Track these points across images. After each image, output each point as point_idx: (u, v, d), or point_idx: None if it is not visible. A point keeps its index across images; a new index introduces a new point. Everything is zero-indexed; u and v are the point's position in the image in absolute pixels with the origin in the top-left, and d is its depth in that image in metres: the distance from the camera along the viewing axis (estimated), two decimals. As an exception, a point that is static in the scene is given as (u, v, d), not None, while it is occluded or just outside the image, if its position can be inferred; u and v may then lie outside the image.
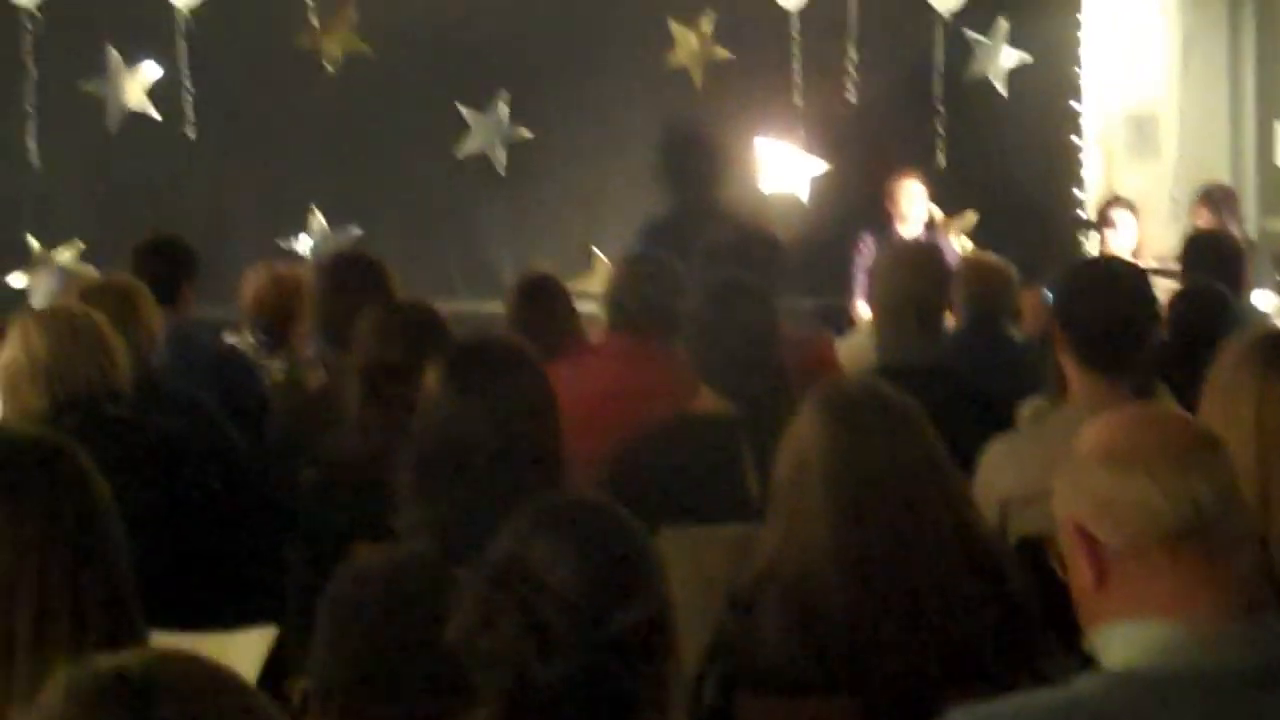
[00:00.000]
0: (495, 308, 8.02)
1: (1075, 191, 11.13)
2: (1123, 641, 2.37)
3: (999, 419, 4.85)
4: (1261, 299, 8.17)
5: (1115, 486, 2.37)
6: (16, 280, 9.85)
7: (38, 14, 9.90)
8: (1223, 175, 10.86)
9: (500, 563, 2.35)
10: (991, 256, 6.94)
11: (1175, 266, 7.16)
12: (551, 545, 2.34)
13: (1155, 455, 2.37)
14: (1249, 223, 10.13)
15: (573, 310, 6.21)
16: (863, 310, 9.62)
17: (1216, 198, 9.12)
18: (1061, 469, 2.48)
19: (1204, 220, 8.81)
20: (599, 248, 10.59)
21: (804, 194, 10.79)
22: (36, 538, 2.58)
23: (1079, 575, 2.42)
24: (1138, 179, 10.88)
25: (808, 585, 3.12)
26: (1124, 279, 4.38)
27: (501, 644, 2.32)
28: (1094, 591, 2.40)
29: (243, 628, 3.79)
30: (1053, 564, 2.50)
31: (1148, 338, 4.32)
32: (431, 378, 3.36)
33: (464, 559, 2.85)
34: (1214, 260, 6.58)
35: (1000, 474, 4.23)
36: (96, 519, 2.68)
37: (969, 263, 6.73)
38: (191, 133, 10.15)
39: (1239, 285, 6.63)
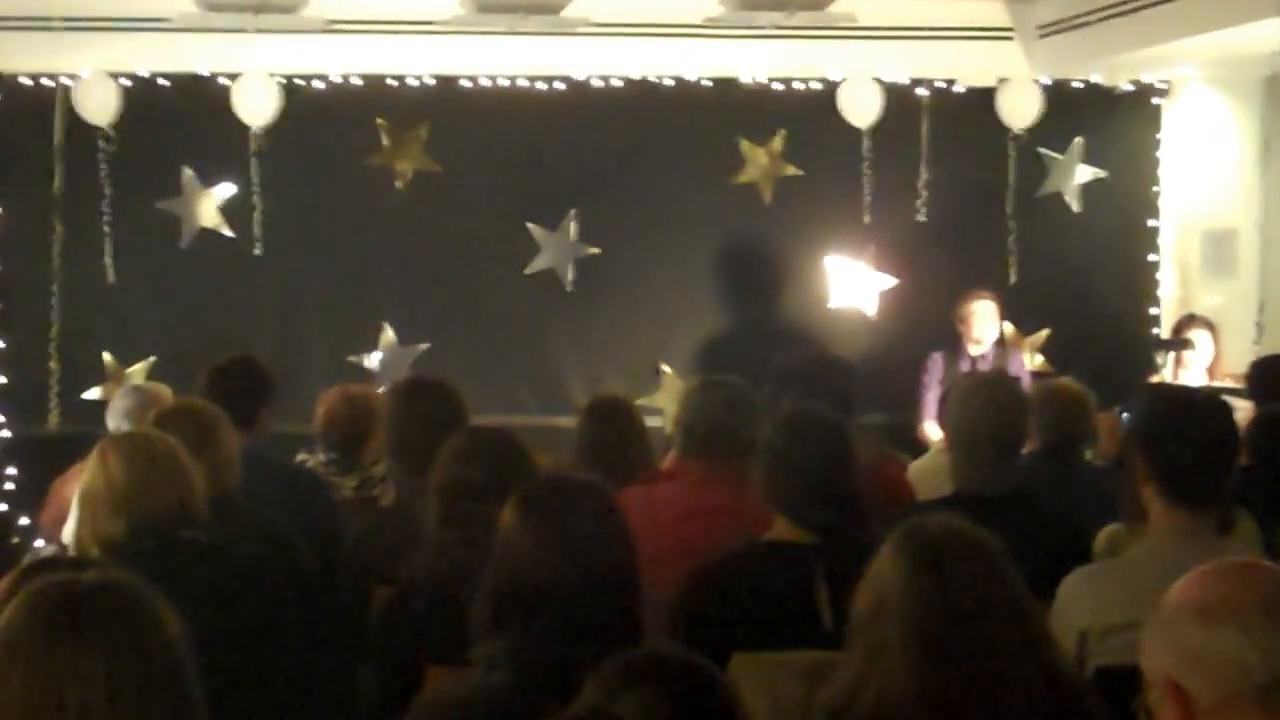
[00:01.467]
0: (563, 423, 8.07)
1: (1151, 309, 11.10)
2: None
3: (1076, 546, 4.83)
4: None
5: (1207, 640, 2.36)
6: (92, 393, 9.95)
7: (112, 133, 10.02)
8: (1300, 295, 10.82)
9: (586, 715, 2.34)
10: (1069, 381, 6.90)
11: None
12: (640, 699, 2.33)
13: (1247, 608, 2.36)
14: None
15: (643, 432, 6.22)
16: (931, 430, 9.59)
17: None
18: (1151, 622, 2.47)
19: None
20: (666, 364, 10.62)
21: (871, 310, 10.78)
22: (101, 680, 2.57)
23: (1170, 728, 2.40)
24: (1215, 296, 10.84)
25: (886, 719, 3.10)
26: (1209, 412, 4.34)
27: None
28: (1186, 748, 2.38)
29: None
30: (1139, 714, 2.47)
31: (1231, 472, 4.29)
32: (509, 512, 3.37)
33: (541, 694, 2.85)
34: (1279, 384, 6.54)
35: (1079, 605, 4.20)
36: (163, 653, 2.67)
37: (1046, 388, 6.70)
38: (259, 249, 10.23)
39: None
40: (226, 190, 10.23)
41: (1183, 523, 4.21)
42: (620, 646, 2.55)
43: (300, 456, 6.96)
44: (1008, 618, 3.16)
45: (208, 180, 10.23)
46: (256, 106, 10.09)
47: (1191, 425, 4.26)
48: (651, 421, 6.46)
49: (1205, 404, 4.41)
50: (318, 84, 10.24)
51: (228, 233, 10.25)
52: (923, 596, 3.12)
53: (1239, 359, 9.61)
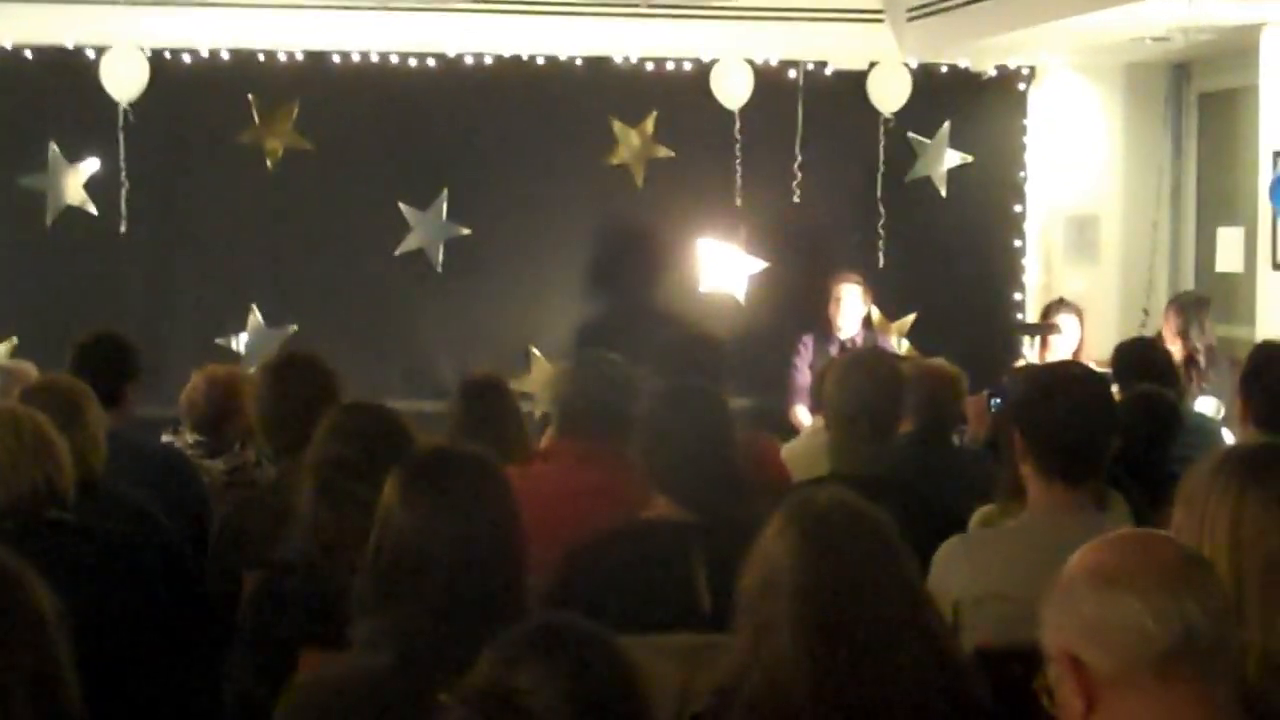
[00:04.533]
0: (432, 406, 7.99)
1: (1016, 294, 11.20)
2: (1112, 768, 2.33)
3: (950, 528, 4.81)
4: (1204, 405, 8.19)
5: (1105, 609, 2.35)
6: (-49, 374, 9.75)
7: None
8: (1163, 280, 10.97)
9: (484, 687, 2.28)
10: (942, 362, 6.92)
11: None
12: (539, 672, 2.27)
13: (1144, 575, 2.35)
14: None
15: (518, 411, 6.18)
16: (801, 414, 9.60)
17: (1187, 302, 9.14)
18: (1049, 596, 2.45)
19: (1171, 324, 8.83)
20: (537, 347, 10.57)
21: (742, 293, 10.78)
22: None
23: (1069, 705, 2.38)
24: (1078, 282, 10.93)
25: (775, 700, 3.06)
26: (1087, 388, 4.36)
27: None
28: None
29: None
30: (1039, 694, 2.45)
31: (1108, 448, 4.31)
32: (390, 487, 3.29)
33: (425, 672, 2.78)
34: (1144, 368, 6.58)
35: (953, 575, 4.21)
36: (38, 631, 2.60)
37: (920, 368, 6.68)
38: (125, 228, 10.07)
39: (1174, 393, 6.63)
40: (92, 166, 10.07)
41: (1061, 497, 4.23)
42: (505, 621, 2.48)
43: (166, 438, 6.84)
44: (898, 594, 3.12)
45: (73, 156, 10.08)
46: (124, 80, 9.93)
47: (1069, 401, 4.27)
48: (523, 407, 6.40)
49: (1083, 380, 4.42)
50: (186, 58, 10.08)
51: (93, 210, 10.09)
52: (813, 572, 3.08)
53: (1102, 343, 9.70)
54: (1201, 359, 8.76)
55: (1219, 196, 10.87)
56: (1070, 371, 4.45)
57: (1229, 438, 6.70)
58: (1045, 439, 4.23)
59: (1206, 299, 9.26)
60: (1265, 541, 3.06)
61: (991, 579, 4.12)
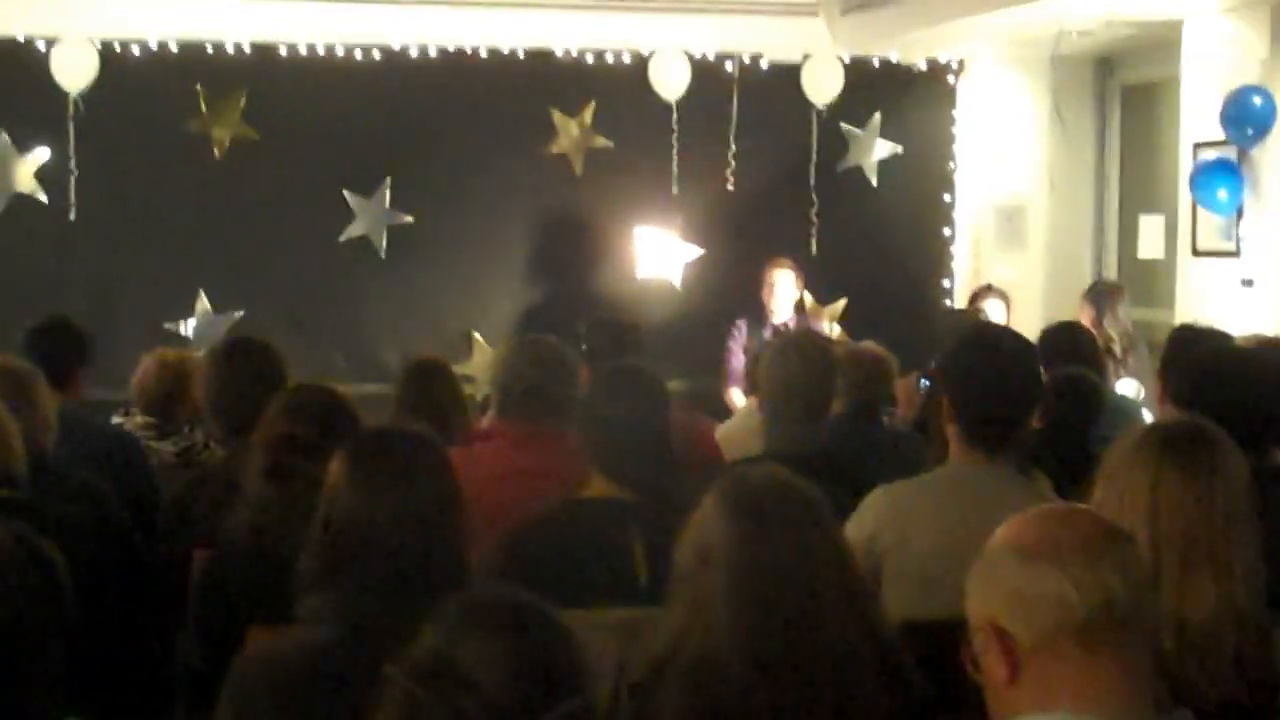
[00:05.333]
0: (376, 389, 7.98)
1: (945, 281, 11.26)
2: (1034, 735, 2.34)
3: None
4: (1125, 387, 8.25)
5: (1027, 579, 2.36)
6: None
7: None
8: (1087, 267, 11.06)
9: (427, 660, 2.28)
10: (872, 346, 6.94)
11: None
12: (482, 644, 2.27)
13: (1066, 546, 2.37)
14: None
15: (460, 393, 6.21)
16: (735, 396, 9.62)
17: (1099, 292, 9.20)
18: (974, 568, 2.46)
19: (1086, 314, 8.88)
20: (478, 331, 10.57)
21: (678, 280, 10.81)
22: None
23: (993, 673, 2.40)
24: (1006, 269, 10.99)
25: (707, 670, 3.06)
26: (1015, 356, 4.37)
27: (429, 744, 2.24)
28: (1007, 688, 2.37)
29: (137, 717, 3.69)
30: (965, 663, 2.46)
31: (1029, 418, 4.33)
32: (337, 465, 3.29)
33: (369, 645, 2.78)
34: (1068, 351, 6.62)
35: (872, 515, 4.25)
36: None
37: (852, 351, 6.71)
38: (75, 215, 10.01)
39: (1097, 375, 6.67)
40: (43, 155, 10.00)
41: (981, 459, 4.24)
42: (448, 595, 2.48)
43: (117, 420, 6.80)
44: (829, 568, 3.13)
45: (23, 145, 10.00)
46: (74, 71, 9.87)
47: (997, 368, 4.28)
48: (464, 388, 6.42)
49: (1012, 348, 4.42)
50: (135, 49, 10.03)
51: (43, 198, 10.03)
52: (746, 547, 3.08)
53: (1029, 328, 9.75)
54: (1117, 347, 8.80)
55: (1141, 186, 10.95)
56: (1000, 342, 4.43)
57: (1149, 418, 6.75)
58: (971, 404, 4.24)
59: (1119, 287, 9.33)
60: (1182, 515, 3.10)
61: (910, 525, 4.14)
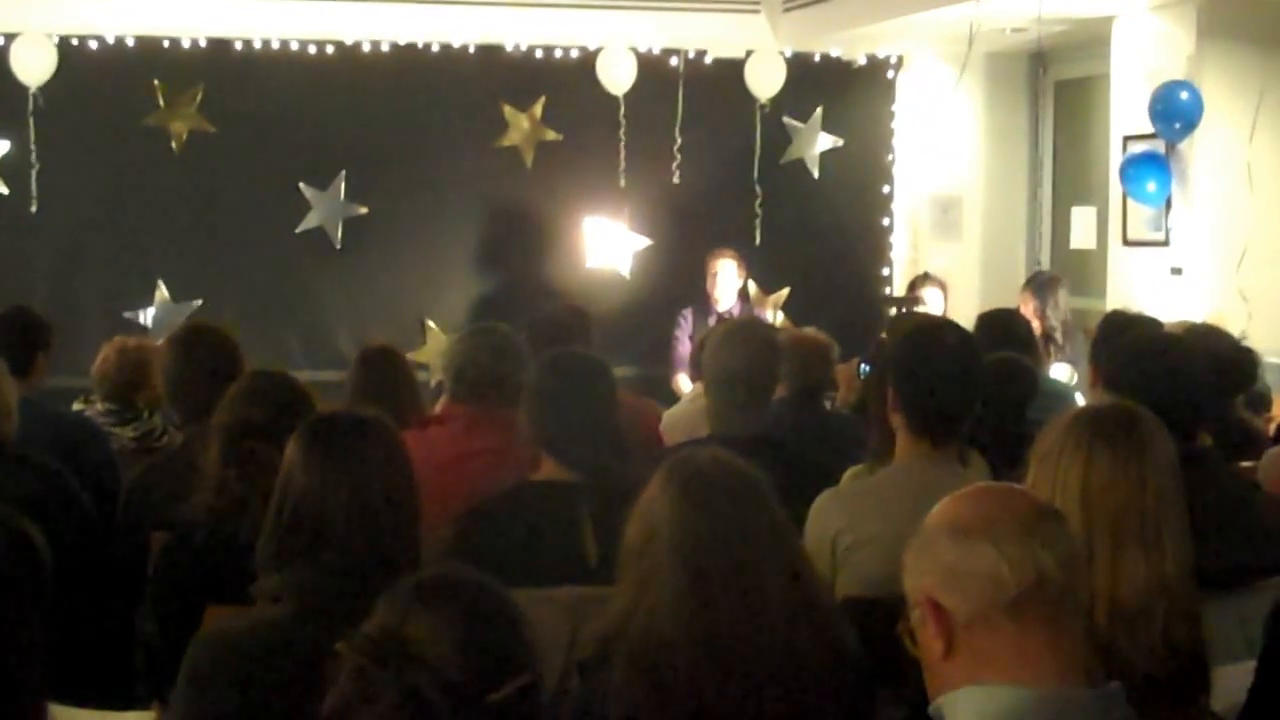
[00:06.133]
0: (331, 375, 7.97)
1: (884, 269, 11.31)
2: (968, 706, 2.35)
3: (821, 482, 4.83)
4: (1058, 371, 8.29)
5: (962, 556, 2.37)
6: None
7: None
8: (1020, 257, 11.12)
9: (378, 637, 2.27)
10: (814, 332, 6.96)
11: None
12: (431, 621, 2.26)
13: (1000, 523, 2.38)
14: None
15: (412, 378, 6.19)
16: (682, 382, 9.64)
17: (1041, 282, 9.23)
18: (911, 544, 2.47)
19: (1028, 304, 8.92)
20: (431, 319, 10.56)
21: (625, 269, 10.83)
22: None
23: (929, 647, 2.40)
24: (942, 258, 11.04)
25: (653, 647, 3.07)
26: (958, 347, 4.39)
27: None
28: (943, 661, 2.38)
29: (98, 695, 3.66)
30: (902, 637, 2.47)
31: (973, 408, 4.35)
32: (292, 448, 3.28)
33: (324, 623, 2.77)
34: (1003, 337, 6.64)
35: (828, 518, 4.24)
36: None
37: (794, 337, 6.72)
38: (35, 207, 9.95)
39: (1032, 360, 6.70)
40: (3, 148, 9.96)
41: (927, 453, 4.26)
42: (401, 575, 2.47)
43: (77, 405, 6.77)
44: (771, 545, 3.14)
45: (-16, 138, 9.94)
46: (34, 66, 9.82)
47: (940, 359, 4.30)
48: (417, 375, 6.42)
49: (955, 339, 4.44)
50: (94, 45, 9.97)
51: (4, 190, 9.98)
52: (691, 526, 3.09)
53: (965, 315, 9.79)
54: (1058, 334, 8.86)
55: (1073, 178, 11.01)
56: (945, 338, 4.44)
57: (1081, 401, 6.78)
58: (917, 400, 4.26)
59: (1058, 278, 9.37)
60: (1113, 494, 3.11)
61: (864, 524, 4.15)
